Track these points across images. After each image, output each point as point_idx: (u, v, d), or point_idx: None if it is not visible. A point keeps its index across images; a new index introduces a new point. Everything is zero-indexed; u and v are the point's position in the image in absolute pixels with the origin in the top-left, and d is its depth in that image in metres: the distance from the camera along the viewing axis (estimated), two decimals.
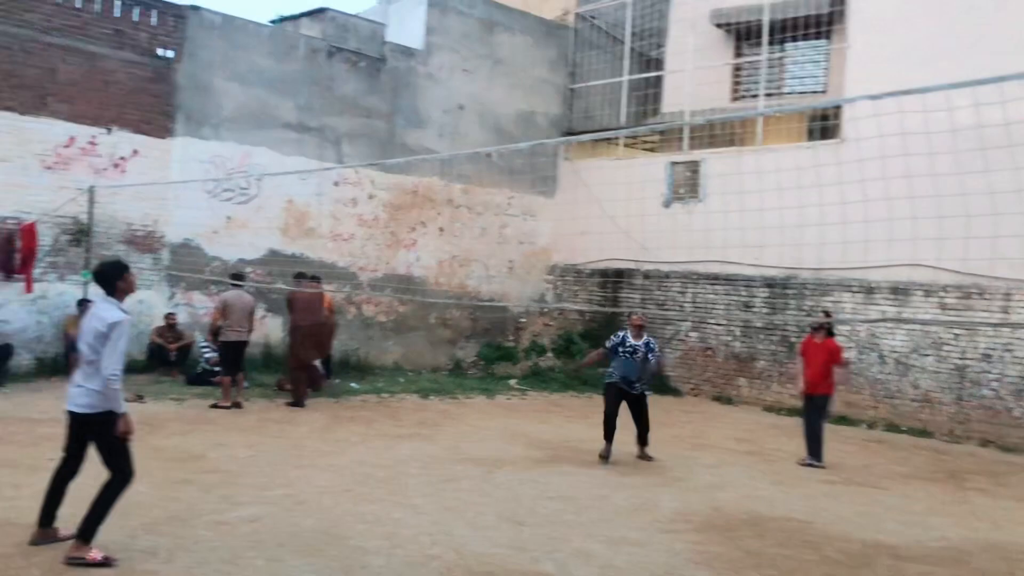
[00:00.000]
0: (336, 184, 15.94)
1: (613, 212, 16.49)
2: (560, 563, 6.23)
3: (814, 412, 10.67)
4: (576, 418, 13.33)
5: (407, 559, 6.10)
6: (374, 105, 16.42)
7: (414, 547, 6.38)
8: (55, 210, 13.08)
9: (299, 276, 13.56)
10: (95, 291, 12.79)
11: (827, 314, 13.72)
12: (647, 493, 8.60)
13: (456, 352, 17.64)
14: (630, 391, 10.11)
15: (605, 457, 9.92)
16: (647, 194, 16.80)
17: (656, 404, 15.41)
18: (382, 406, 13.05)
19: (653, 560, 6.48)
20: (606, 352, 10.45)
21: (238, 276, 13.06)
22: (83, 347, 5.68)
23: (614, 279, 17.75)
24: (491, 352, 17.70)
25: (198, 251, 14.57)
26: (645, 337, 10.25)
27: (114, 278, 5.70)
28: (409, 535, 6.65)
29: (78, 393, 5.68)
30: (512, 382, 16.33)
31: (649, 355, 10.18)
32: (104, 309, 5.63)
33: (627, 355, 10.08)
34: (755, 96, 16.72)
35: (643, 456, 10.23)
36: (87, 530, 5.54)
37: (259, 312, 14.08)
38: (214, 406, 11.74)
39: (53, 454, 8.45)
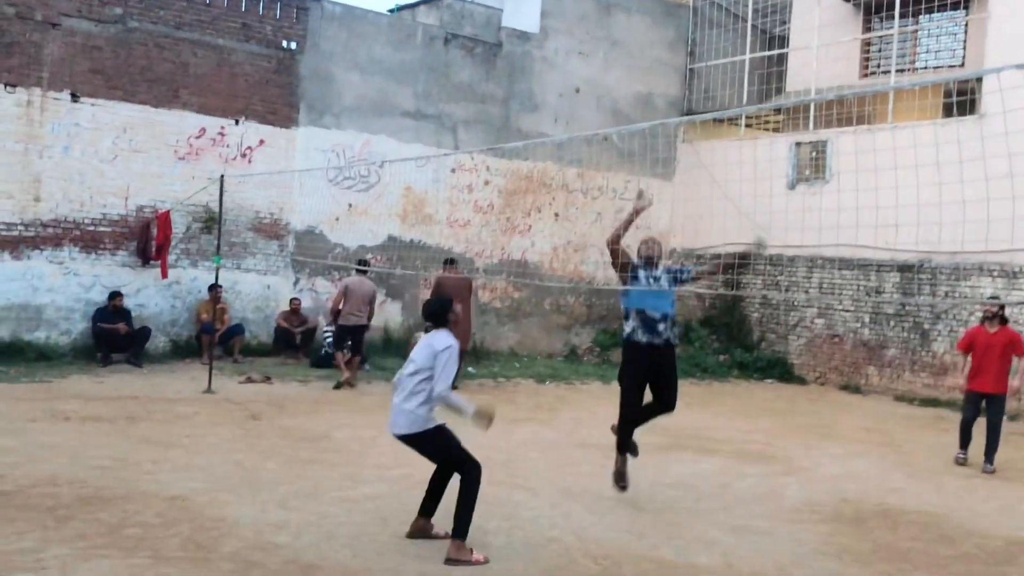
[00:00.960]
0: (453, 171, 16.08)
1: (734, 195, 16.05)
2: (680, 550, 6.10)
3: (994, 412, 9.43)
4: (695, 405, 13.05)
5: (526, 540, 6.09)
6: (490, 91, 16.46)
7: (533, 529, 6.36)
8: (187, 199, 13.63)
9: (449, 262, 13.78)
10: (225, 276, 13.36)
11: (996, 300, 12.56)
12: (771, 482, 8.34)
13: (571, 338, 17.55)
14: (655, 343, 7.10)
15: (623, 481, 7.28)
16: (770, 176, 16.27)
17: (779, 393, 15.08)
18: (498, 391, 13.11)
19: (778, 549, 6.27)
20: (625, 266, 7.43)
21: (362, 262, 13.49)
22: (409, 371, 5.86)
23: (736, 264, 17.30)
24: (607, 338, 17.55)
25: (321, 238, 14.95)
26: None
27: (445, 313, 6.02)
28: (528, 517, 6.63)
29: (402, 417, 5.82)
30: None
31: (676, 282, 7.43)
32: (438, 338, 5.87)
33: (649, 279, 7.28)
34: (886, 72, 15.98)
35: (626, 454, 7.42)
36: (460, 528, 5.61)
37: (380, 297, 14.36)
38: (338, 386, 12.11)
39: (189, 432, 8.87)
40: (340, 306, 12.66)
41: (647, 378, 7.16)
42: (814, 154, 16.32)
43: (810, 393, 15.16)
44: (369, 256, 14.97)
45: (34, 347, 12.53)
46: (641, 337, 7.09)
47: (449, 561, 5.52)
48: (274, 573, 5.16)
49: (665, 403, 7.27)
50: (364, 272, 13.13)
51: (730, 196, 16.28)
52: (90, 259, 13.16)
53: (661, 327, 7.07)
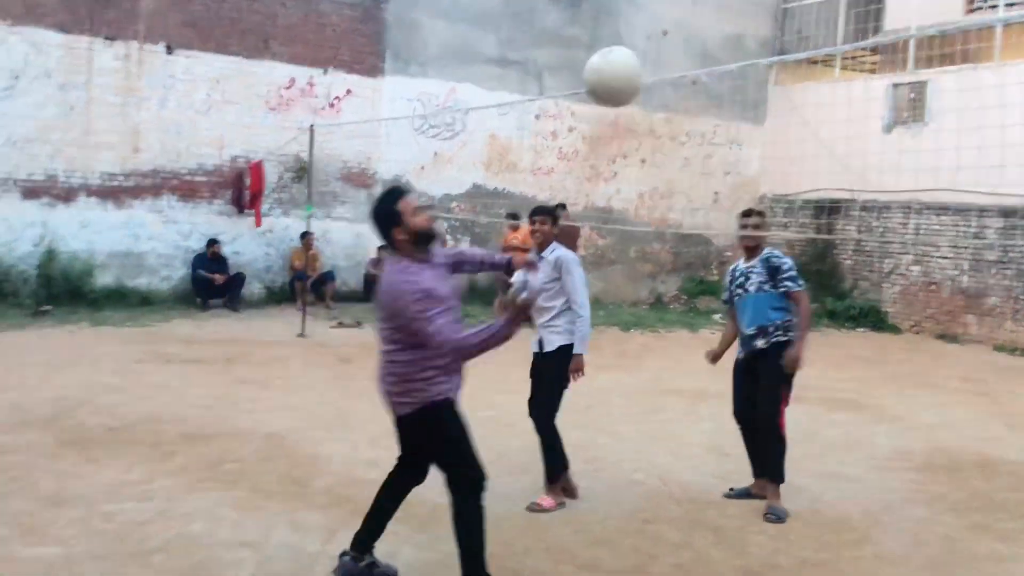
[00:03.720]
0: (537, 118, 16.00)
1: (828, 139, 15.55)
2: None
3: None
4: None
5: (611, 483, 6.15)
6: (575, 35, 16.24)
7: (617, 472, 6.41)
8: (278, 149, 13.93)
9: (560, 208, 13.88)
10: (316, 224, 13.66)
11: None
12: (861, 431, 8.19)
13: (657, 286, 17.43)
14: (753, 351, 5.94)
15: (740, 495, 6.04)
16: (866, 119, 15.72)
17: (872, 342, 14.70)
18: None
19: (867, 496, 6.18)
20: (731, 310, 6.24)
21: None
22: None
23: (828, 210, 16.84)
24: (693, 286, 17.36)
25: (407, 187, 15.09)
26: (765, 252, 5.99)
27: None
28: (612, 461, 6.69)
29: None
30: (716, 316, 15.95)
31: (777, 279, 5.85)
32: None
33: (740, 290, 6.01)
34: (993, 7, 15.14)
35: (760, 493, 5.93)
36: (550, 472, 5.70)
37: (464, 246, 14.49)
38: None
39: (283, 373, 9.18)
40: None
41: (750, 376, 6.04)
42: (913, 95, 15.65)
43: (904, 342, 14.76)
44: (454, 204, 15.12)
45: (137, 293, 13.08)
46: (745, 353, 6.05)
47: (532, 507, 5.57)
48: (366, 507, 5.32)
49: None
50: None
51: (823, 140, 15.79)
52: (188, 208, 13.61)
53: (759, 342, 5.88)
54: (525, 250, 14.10)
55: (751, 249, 6.04)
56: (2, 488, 5.25)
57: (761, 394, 5.90)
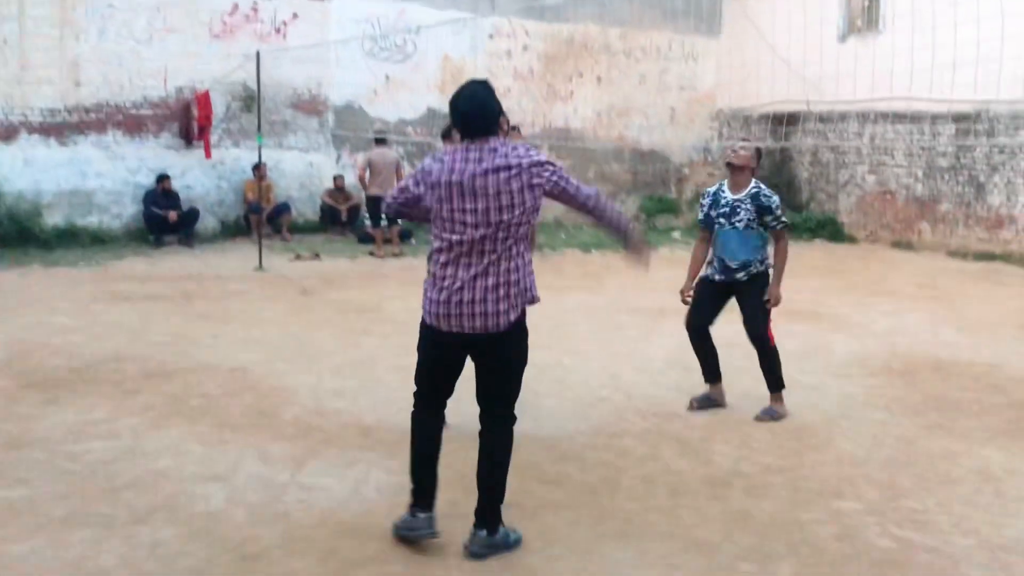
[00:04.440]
0: (491, 37, 15.70)
1: (783, 50, 15.46)
2: (730, 405, 6.17)
3: None
4: None
5: (577, 400, 6.21)
6: None
7: (584, 390, 6.48)
8: (225, 78, 13.54)
9: (513, 129, 13.75)
10: (268, 155, 13.37)
11: None
12: (819, 339, 8.34)
13: (617, 205, 17.41)
14: (733, 280, 5.99)
15: (703, 403, 6.16)
16: (821, 27, 15.61)
17: (829, 252, 14.90)
18: (544, 261, 13.12)
19: (825, 402, 6.33)
20: (706, 232, 6.14)
21: (381, 137, 13.59)
22: None
23: (785, 122, 16.84)
24: (652, 204, 17.39)
25: (360, 112, 14.83)
26: (753, 186, 5.92)
27: None
28: (578, 379, 6.75)
29: None
30: (675, 234, 16.04)
31: (764, 219, 5.86)
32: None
33: (724, 220, 5.92)
34: None
35: (719, 399, 6.21)
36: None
37: (408, 169, 14.35)
38: (371, 254, 12.54)
39: (243, 307, 9.09)
40: (366, 180, 12.98)
41: (720, 300, 6.13)
42: (866, 3, 15.57)
43: (861, 252, 14.98)
44: (409, 129, 14.90)
45: (88, 232, 12.80)
46: (718, 275, 6.04)
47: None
48: (334, 436, 5.35)
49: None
50: (384, 141, 13.37)
51: (778, 51, 15.70)
52: (134, 143, 13.25)
53: (740, 274, 5.96)
54: None
55: (738, 176, 5.92)
56: None
57: (751, 318, 6.06)
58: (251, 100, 13.50)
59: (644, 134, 17.30)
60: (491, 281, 3.77)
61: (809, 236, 16.10)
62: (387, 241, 12.86)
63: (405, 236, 13.57)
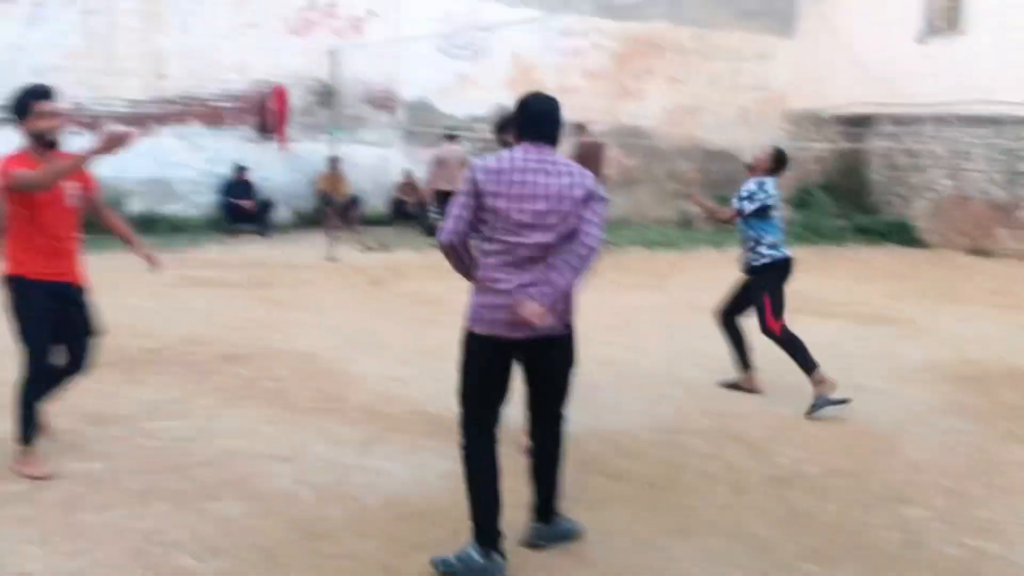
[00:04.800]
0: (562, 35, 15.71)
1: (859, 50, 15.16)
2: (797, 407, 6.10)
3: None
4: (811, 270, 12.77)
5: (640, 397, 6.22)
6: None
7: (646, 386, 6.48)
8: (302, 73, 13.82)
9: (579, 128, 13.91)
10: (342, 148, 13.62)
11: None
12: (890, 344, 8.20)
13: (684, 205, 17.29)
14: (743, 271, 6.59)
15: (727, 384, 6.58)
16: (899, 28, 15.28)
17: (901, 257, 14.58)
18: (609, 258, 13.13)
19: (894, 407, 6.22)
20: (742, 215, 6.39)
21: (451, 134, 13.76)
22: None
23: (858, 124, 16.52)
24: (721, 204, 17.17)
25: (431, 109, 14.98)
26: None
27: None
28: (641, 375, 6.76)
29: None
30: None
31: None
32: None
33: (776, 213, 6.42)
34: None
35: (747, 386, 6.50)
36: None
37: None
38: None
39: (314, 296, 9.29)
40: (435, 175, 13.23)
41: None
42: (948, 3, 15.17)
43: (934, 257, 14.63)
44: (479, 126, 15.01)
45: (168, 220, 13.20)
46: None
47: None
48: (399, 422, 5.46)
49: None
50: (455, 137, 13.55)
51: (854, 52, 15.40)
52: (214, 134, 13.62)
53: (744, 267, 6.55)
54: None
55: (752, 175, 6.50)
56: (47, 407, 5.40)
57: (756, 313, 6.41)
58: (326, 95, 13.75)
59: (714, 133, 17.13)
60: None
61: (880, 240, 15.78)
62: None
63: None
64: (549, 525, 3.97)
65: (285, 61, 13.77)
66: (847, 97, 15.97)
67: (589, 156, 13.14)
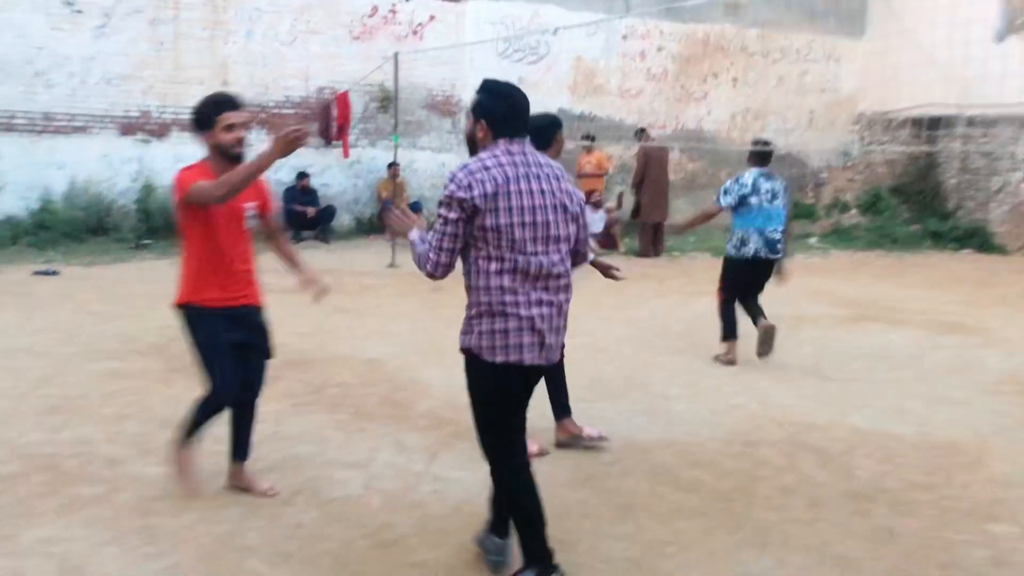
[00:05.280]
0: (624, 38, 15.58)
1: (932, 50, 14.75)
2: (871, 418, 5.92)
3: None
4: (884, 277, 12.49)
5: (709, 407, 6.07)
6: None
7: (716, 396, 6.33)
8: (363, 79, 13.91)
9: (641, 133, 13.85)
10: (402, 155, 13.66)
11: None
12: (968, 354, 7.90)
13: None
14: (771, 257, 7.22)
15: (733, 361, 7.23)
16: (975, 26, 14.83)
17: (978, 263, 14.14)
18: (674, 264, 12.97)
19: (976, 420, 5.97)
20: (721, 208, 7.37)
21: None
22: None
23: (930, 127, 16.07)
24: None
25: None
26: (779, 179, 7.48)
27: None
28: (711, 385, 6.61)
29: None
30: (811, 241, 15.55)
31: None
32: None
33: (768, 201, 7.18)
34: None
35: (765, 351, 7.24)
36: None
37: None
38: None
39: (377, 302, 9.32)
40: None
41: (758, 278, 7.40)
42: None
43: (1013, 263, 14.14)
44: None
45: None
46: (763, 254, 7.22)
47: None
48: (465, 429, 5.38)
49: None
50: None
51: (927, 51, 14.98)
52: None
53: (780, 245, 7.28)
54: (599, 176, 13.98)
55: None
56: (121, 412, 5.48)
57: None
58: (388, 100, 13.83)
59: (780, 137, 16.81)
60: (564, 303, 3.49)
61: (956, 246, 15.33)
62: None
63: None
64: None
65: (347, 67, 13.88)
66: (920, 98, 15.54)
67: (653, 161, 13.08)
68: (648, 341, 7.99)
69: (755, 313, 7.27)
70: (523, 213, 3.27)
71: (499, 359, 3.34)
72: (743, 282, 7.28)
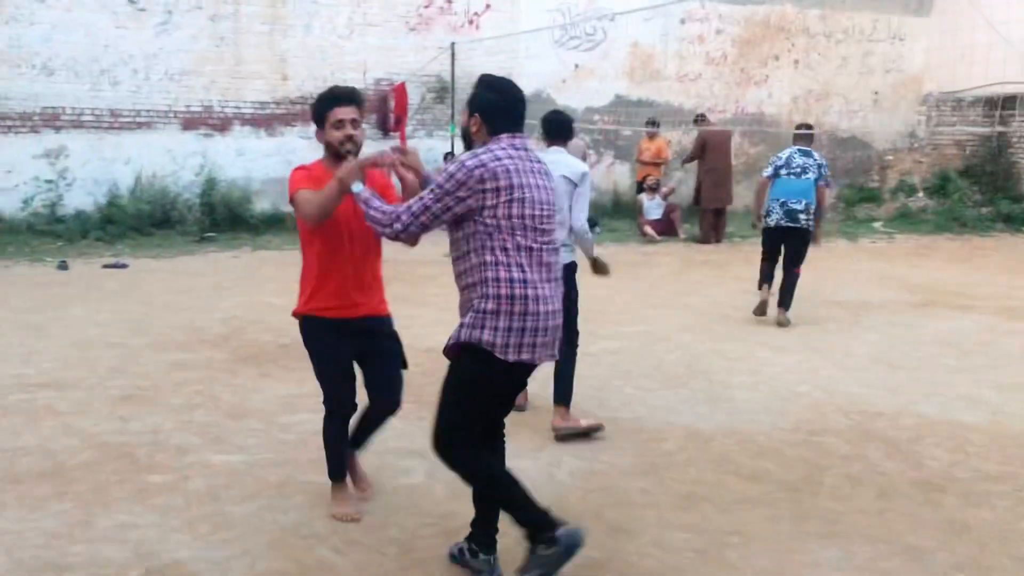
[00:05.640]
0: (682, 22, 15.38)
1: (1003, 26, 14.26)
2: (942, 407, 5.78)
3: None
4: (953, 261, 12.16)
5: (773, 395, 5.99)
6: None
7: (779, 384, 6.23)
8: (420, 69, 13.97)
9: (701, 118, 13.75)
10: (460, 145, 13.70)
11: None
12: None
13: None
14: (791, 226, 8.00)
15: (762, 312, 8.14)
16: None
17: None
18: (734, 250, 12.79)
19: None
20: (765, 176, 8.37)
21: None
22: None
23: (1002, 106, 15.55)
24: (853, 193, 16.55)
25: (549, 101, 14.87)
26: (816, 156, 8.22)
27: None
28: (774, 373, 6.51)
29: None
30: (877, 225, 15.22)
31: (821, 179, 8.10)
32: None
33: (796, 175, 8.04)
34: None
35: (782, 319, 8.04)
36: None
37: (607, 159, 14.32)
38: None
39: (436, 291, 9.37)
40: None
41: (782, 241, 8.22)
42: None
43: None
44: (597, 118, 14.87)
45: (292, 218, 13.54)
46: (784, 222, 8.10)
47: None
48: (526, 417, 5.41)
49: (787, 280, 8.17)
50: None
51: (999, 28, 14.50)
52: None
53: (803, 215, 8.04)
54: (656, 164, 13.83)
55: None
56: (189, 401, 5.60)
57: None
58: (444, 91, 13.87)
59: (844, 119, 16.47)
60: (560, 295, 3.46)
61: None
62: None
63: (591, 224, 13.50)
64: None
65: (404, 59, 13.95)
66: (991, 77, 15.06)
67: (715, 146, 12.90)
68: (709, 328, 7.90)
69: (782, 291, 8.13)
70: (535, 205, 3.29)
71: (513, 357, 3.26)
72: (770, 248, 8.28)
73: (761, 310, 8.11)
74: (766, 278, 8.26)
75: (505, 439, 3.73)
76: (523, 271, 3.26)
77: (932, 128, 16.87)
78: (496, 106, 3.39)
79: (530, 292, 3.26)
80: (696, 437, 5.16)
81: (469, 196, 3.22)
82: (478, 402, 3.38)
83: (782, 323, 7.97)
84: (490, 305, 3.25)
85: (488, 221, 3.23)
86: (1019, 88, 15.05)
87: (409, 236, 3.39)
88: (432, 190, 3.28)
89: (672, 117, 14.96)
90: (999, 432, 5.34)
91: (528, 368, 3.39)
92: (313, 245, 3.88)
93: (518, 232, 3.25)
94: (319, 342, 3.93)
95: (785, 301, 8.05)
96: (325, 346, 3.92)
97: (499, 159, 3.26)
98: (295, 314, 4.01)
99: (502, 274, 3.25)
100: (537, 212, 3.30)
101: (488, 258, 3.26)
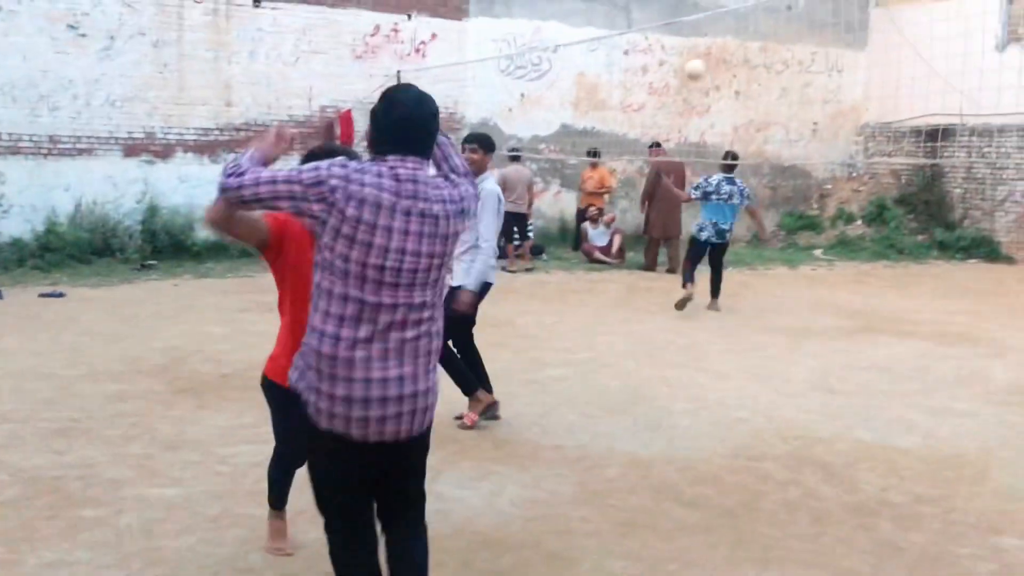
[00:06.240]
0: (626, 53, 15.63)
1: (935, 60, 14.76)
2: (877, 431, 5.90)
3: None
4: (889, 288, 12.46)
5: (714, 421, 6.06)
6: None
7: (720, 410, 6.31)
8: (366, 97, 13.96)
9: (656, 146, 13.95)
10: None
11: None
12: (975, 364, 7.88)
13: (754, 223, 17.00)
14: (719, 242, 10.05)
15: (684, 307, 9.79)
16: (977, 36, 14.83)
17: (985, 273, 14.13)
18: (679, 277, 12.93)
19: (983, 432, 5.95)
20: (692, 197, 10.31)
21: (515, 155, 13.61)
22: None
23: (936, 137, 16.06)
24: (793, 221, 16.89)
25: (495, 130, 14.97)
26: (739, 183, 10.10)
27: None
28: (715, 399, 6.59)
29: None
30: (816, 252, 15.53)
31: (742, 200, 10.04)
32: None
33: (724, 201, 9.89)
34: None
35: (713, 307, 10.15)
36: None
37: (554, 188, 14.46)
38: (503, 269, 12.47)
39: None
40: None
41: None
42: None
43: (1019, 272, 14.11)
44: (543, 146, 15.00)
45: (236, 245, 13.40)
46: (713, 239, 10.00)
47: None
48: (468, 447, 5.40)
49: (716, 277, 10.21)
50: (518, 159, 13.36)
51: (930, 62, 14.99)
52: (281, 160, 13.78)
53: (727, 233, 10.08)
54: (600, 193, 13.98)
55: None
56: (124, 433, 5.48)
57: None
58: None
59: (785, 149, 16.83)
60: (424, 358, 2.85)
61: (962, 256, 15.30)
62: (519, 256, 12.89)
63: (537, 251, 13.61)
64: None
65: (350, 86, 13.94)
66: (923, 109, 15.53)
67: (669, 175, 12.94)
68: (652, 354, 7.98)
69: (713, 286, 10.19)
70: (387, 254, 2.67)
71: (325, 425, 2.78)
72: (696, 257, 9.99)
73: (682, 305, 9.68)
74: (690, 278, 9.75)
75: (420, 528, 3.09)
76: (348, 327, 2.68)
77: (869, 158, 17.33)
78: (378, 123, 2.82)
79: (352, 355, 2.68)
80: (638, 464, 5.19)
81: (309, 202, 2.66)
82: (325, 478, 2.93)
83: (716, 309, 10.01)
84: (304, 355, 2.79)
85: (325, 254, 2.70)
86: (950, 120, 15.55)
87: (235, 197, 2.75)
88: (291, 169, 2.75)
89: (616, 147, 15.15)
90: (931, 456, 5.47)
91: (370, 449, 2.78)
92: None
93: (352, 280, 2.67)
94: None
95: (716, 292, 10.11)
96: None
97: (363, 183, 2.65)
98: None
99: (316, 322, 2.73)
100: (390, 264, 2.67)
101: (314, 299, 2.75)
